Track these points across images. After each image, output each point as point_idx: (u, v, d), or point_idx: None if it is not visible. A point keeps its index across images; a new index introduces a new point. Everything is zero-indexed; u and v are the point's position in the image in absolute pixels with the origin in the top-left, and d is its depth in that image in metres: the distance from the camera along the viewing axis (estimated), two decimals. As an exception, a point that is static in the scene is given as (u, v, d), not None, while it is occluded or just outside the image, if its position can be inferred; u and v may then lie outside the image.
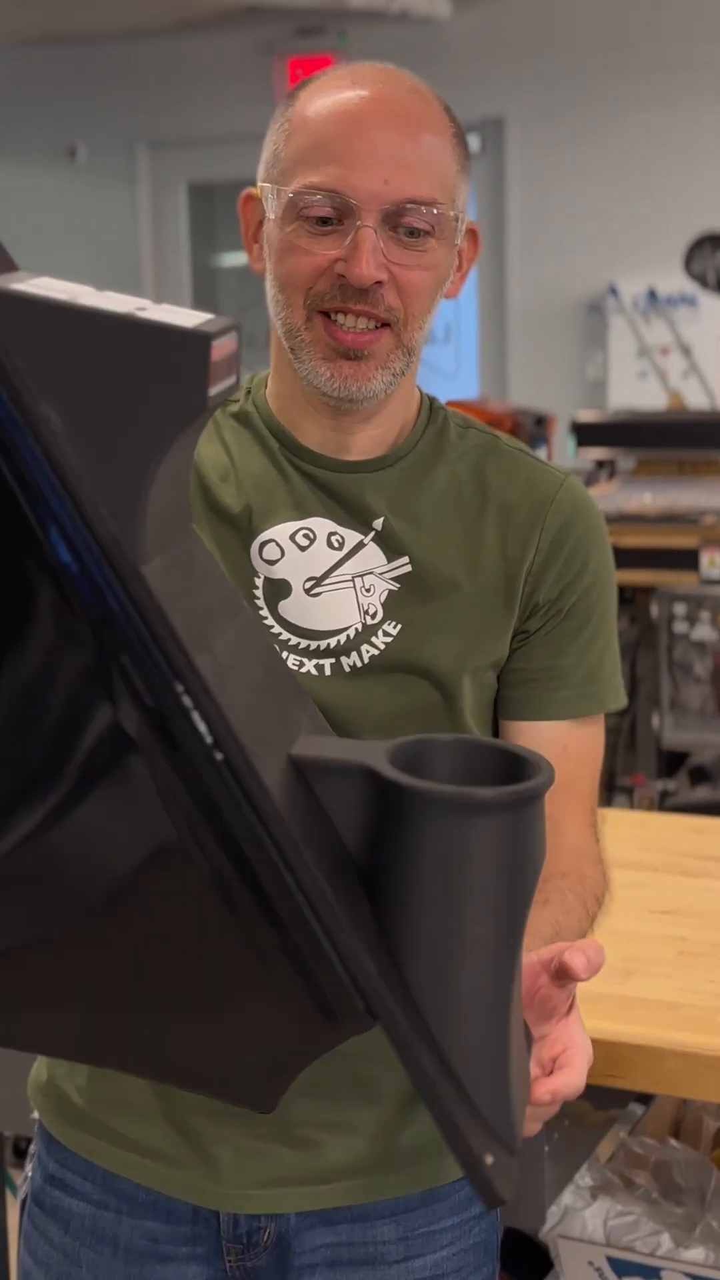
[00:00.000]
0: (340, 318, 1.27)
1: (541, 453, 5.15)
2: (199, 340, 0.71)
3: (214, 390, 0.72)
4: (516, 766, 0.80)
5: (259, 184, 1.32)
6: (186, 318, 0.73)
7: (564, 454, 5.74)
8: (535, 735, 1.35)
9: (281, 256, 1.29)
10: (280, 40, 6.95)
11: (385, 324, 1.27)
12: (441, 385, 6.74)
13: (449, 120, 1.30)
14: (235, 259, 5.81)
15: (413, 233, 1.26)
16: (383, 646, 1.30)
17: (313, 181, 1.26)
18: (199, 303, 5.53)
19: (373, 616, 1.31)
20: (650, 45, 6.63)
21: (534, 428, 5.35)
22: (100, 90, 7.40)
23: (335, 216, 1.25)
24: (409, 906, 0.78)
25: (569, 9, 6.79)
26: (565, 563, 1.34)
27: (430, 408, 1.39)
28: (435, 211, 1.26)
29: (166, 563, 0.75)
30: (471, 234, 1.34)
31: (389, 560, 1.32)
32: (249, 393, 1.38)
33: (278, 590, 1.31)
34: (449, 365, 7.32)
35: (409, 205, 1.25)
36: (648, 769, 4.13)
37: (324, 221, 1.26)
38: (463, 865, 0.77)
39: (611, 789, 4.09)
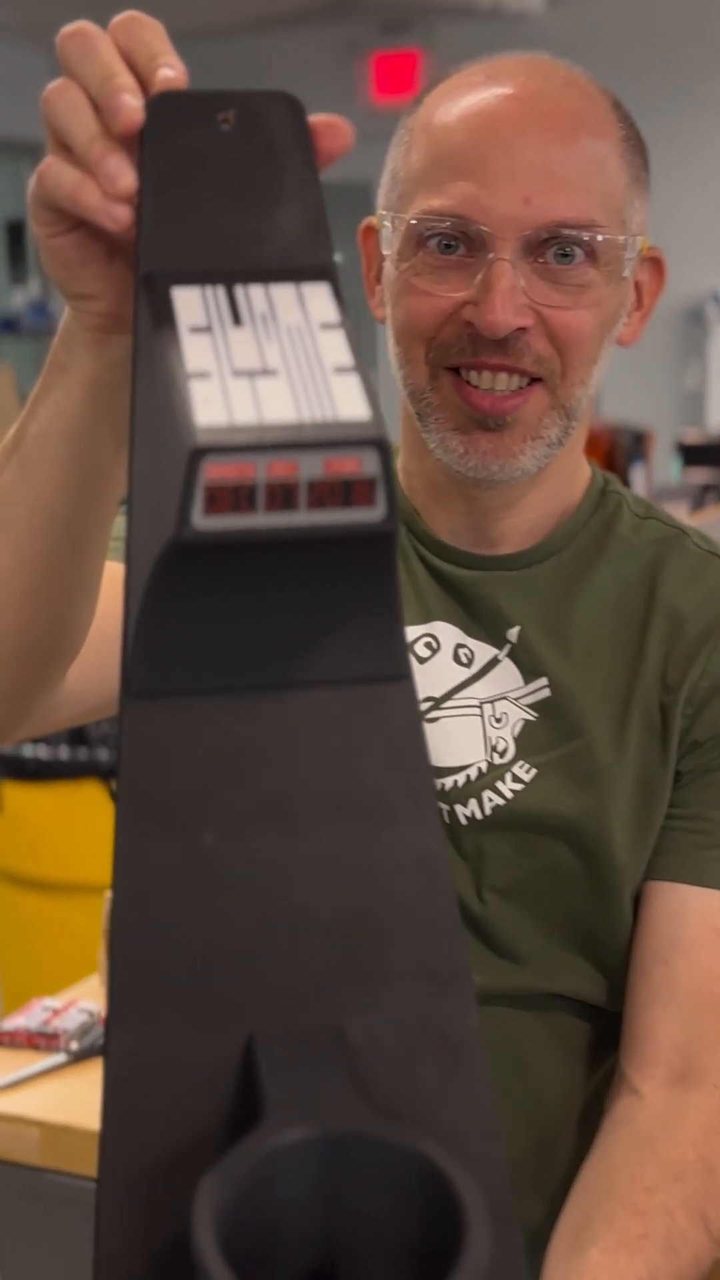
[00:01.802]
0: (474, 375, 0.97)
1: (640, 473, 4.87)
2: (189, 449, 0.57)
3: (209, 523, 0.58)
4: (452, 1224, 0.52)
5: (378, 211, 1.03)
6: (349, 405, 0.60)
7: (666, 475, 5.42)
8: (677, 905, 1.04)
9: (398, 299, 1.00)
10: (364, 37, 6.66)
11: (536, 379, 0.98)
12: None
13: (617, 120, 1.01)
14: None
15: (565, 261, 0.97)
16: (510, 795, 1.02)
17: (434, 205, 0.97)
18: None
19: (502, 754, 1.02)
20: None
21: (632, 446, 5.04)
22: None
23: (463, 248, 0.97)
24: None
25: (667, 4, 6.47)
26: None
27: (602, 490, 1.10)
28: (598, 237, 0.97)
29: None
30: (653, 263, 1.05)
31: (526, 682, 1.03)
32: None
33: None
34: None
35: (560, 230, 0.96)
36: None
37: (449, 251, 0.97)
38: None
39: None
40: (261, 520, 0.59)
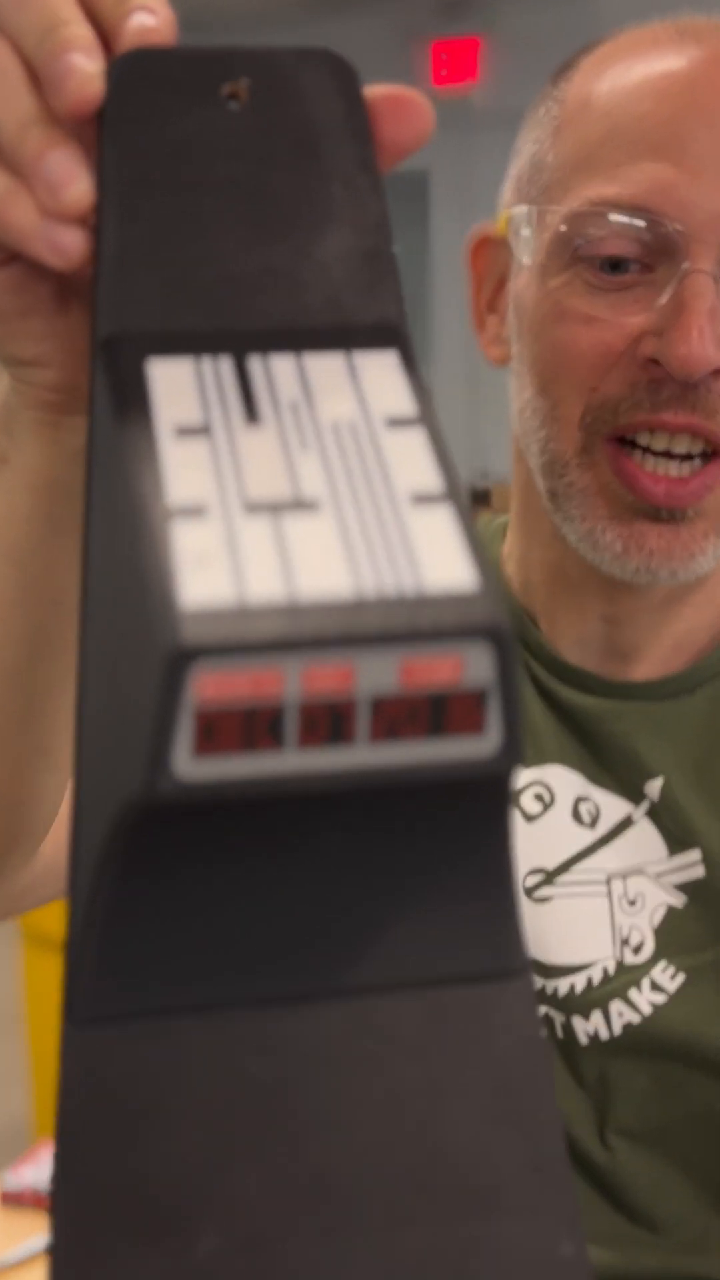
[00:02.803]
0: (643, 454, 0.71)
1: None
2: (166, 651, 0.34)
3: (202, 769, 0.35)
4: None
5: (505, 213, 0.77)
6: (442, 562, 0.37)
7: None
8: None
9: (544, 329, 0.74)
10: (421, 21, 6.41)
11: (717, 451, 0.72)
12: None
13: None
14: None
15: None
16: (648, 1009, 0.75)
17: (607, 195, 0.71)
18: None
19: (637, 951, 0.76)
20: None
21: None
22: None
23: (644, 258, 0.71)
24: None
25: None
26: None
27: None
28: None
29: None
30: None
31: (671, 853, 0.77)
32: None
33: None
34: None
35: None
36: None
37: (619, 268, 0.71)
38: None
39: None
40: (294, 763, 0.36)
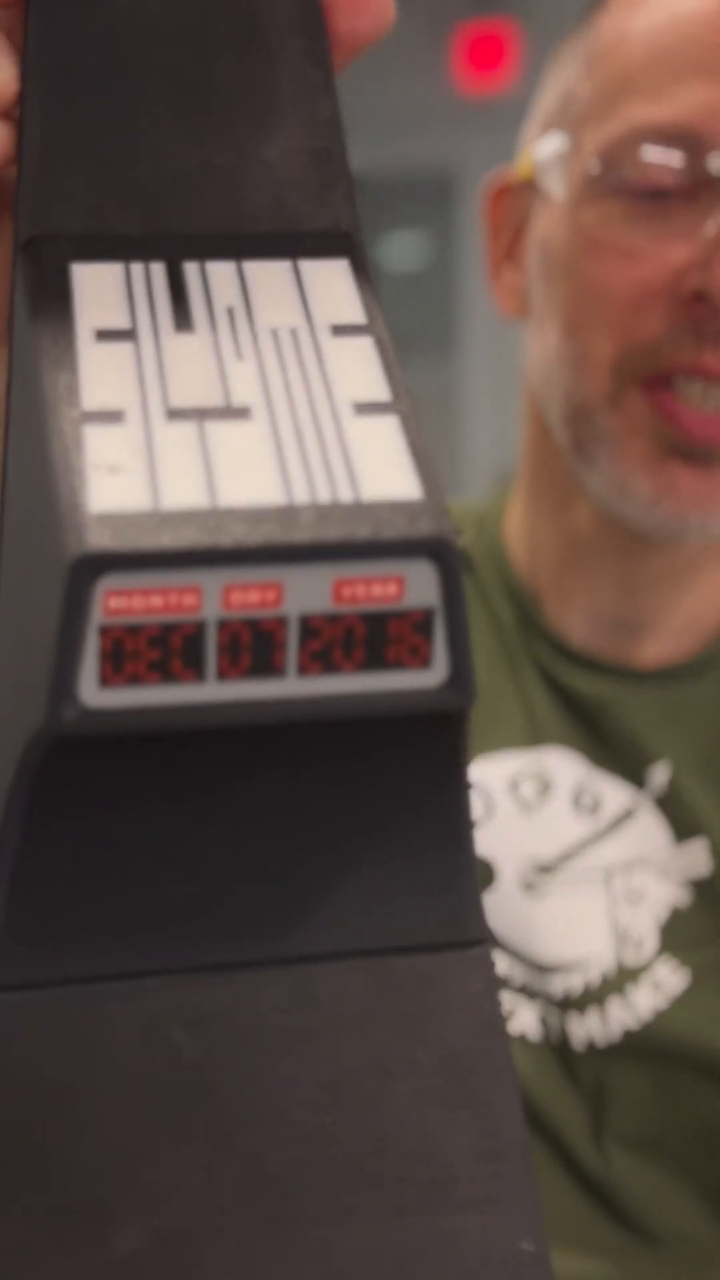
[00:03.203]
0: (685, 386, 0.67)
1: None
2: (68, 560, 0.31)
3: (109, 697, 0.32)
4: None
5: (527, 152, 0.72)
6: (384, 474, 0.33)
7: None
8: None
9: (574, 267, 0.69)
10: (450, 8, 6.34)
11: None
12: None
13: None
14: (407, 264, 5.13)
15: None
16: (650, 1012, 0.70)
17: (651, 116, 0.66)
18: None
19: (637, 948, 0.71)
20: None
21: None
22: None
23: (687, 186, 0.65)
24: None
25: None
26: None
27: None
28: None
29: None
30: None
31: (677, 843, 0.72)
32: (478, 524, 0.79)
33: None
34: None
35: None
36: None
37: (660, 197, 0.65)
38: None
39: None
40: (213, 691, 0.32)
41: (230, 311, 0.36)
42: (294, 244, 0.38)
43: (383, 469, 0.33)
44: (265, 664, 0.32)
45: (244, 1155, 0.36)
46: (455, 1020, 0.37)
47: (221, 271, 0.37)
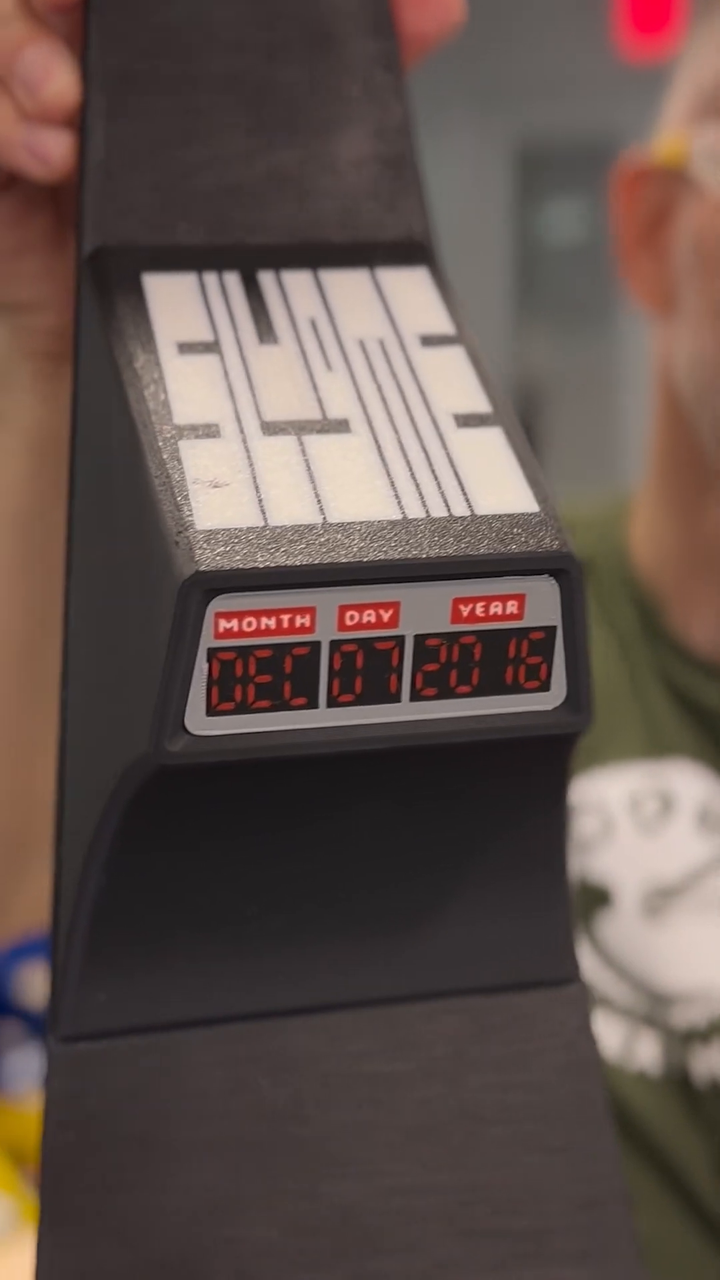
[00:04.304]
0: None
1: None
2: (176, 581, 0.29)
3: (220, 725, 0.30)
4: None
5: (672, 139, 0.68)
6: (496, 487, 0.32)
7: None
8: None
9: None
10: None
11: None
12: None
13: None
14: (565, 236, 5.02)
15: None
16: None
17: None
18: (523, 296, 4.73)
19: None
20: None
21: None
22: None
23: None
24: None
25: None
26: None
27: None
28: None
29: None
30: None
31: None
32: (600, 527, 0.75)
33: (591, 897, 0.68)
34: None
35: None
36: None
37: None
38: None
39: None
40: (323, 718, 0.31)
41: (313, 322, 0.35)
42: (367, 254, 0.37)
43: (495, 482, 0.31)
44: (378, 687, 0.30)
45: (333, 1209, 0.34)
46: (550, 1062, 0.36)
47: (299, 281, 0.36)
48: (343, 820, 0.34)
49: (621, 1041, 0.67)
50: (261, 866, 0.34)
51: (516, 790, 0.34)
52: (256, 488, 0.31)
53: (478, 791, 0.34)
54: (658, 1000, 0.67)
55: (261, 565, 0.29)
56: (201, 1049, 0.34)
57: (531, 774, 0.34)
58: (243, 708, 0.30)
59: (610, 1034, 0.67)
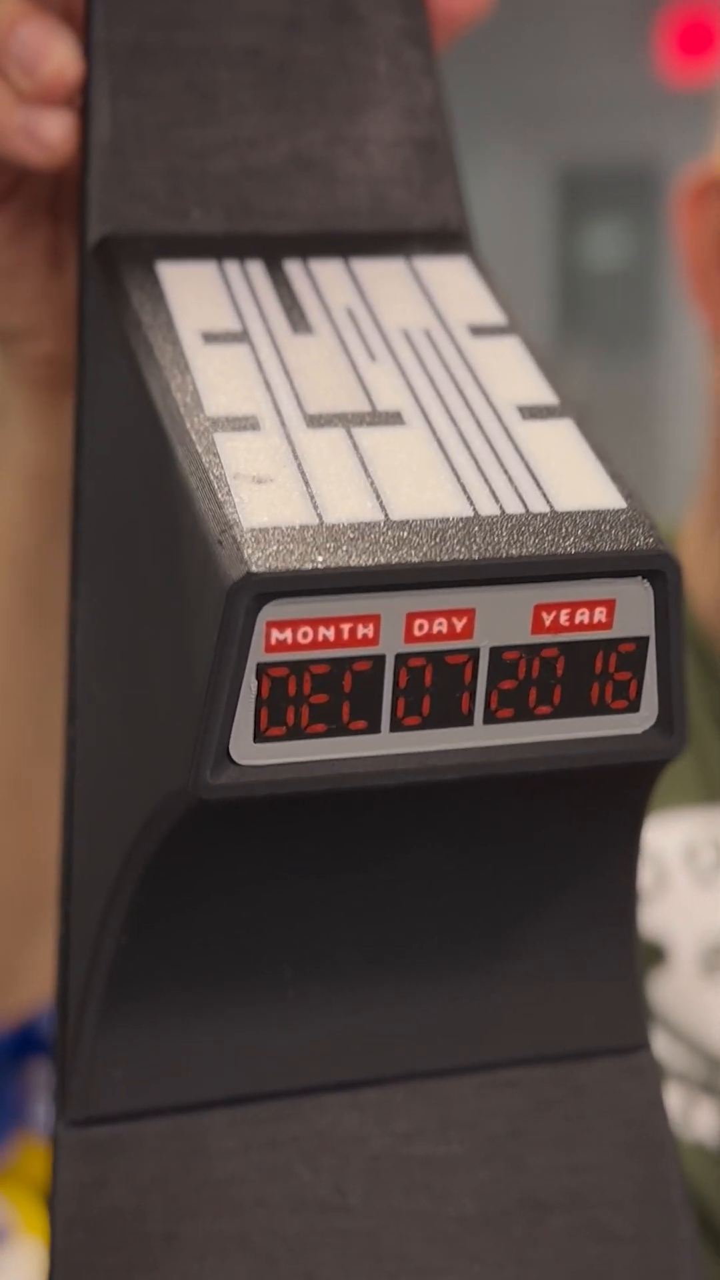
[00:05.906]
0: None
1: None
2: (224, 584, 0.25)
3: (268, 755, 0.26)
4: None
5: None
6: (573, 481, 0.28)
7: None
8: None
9: None
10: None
11: None
12: None
13: None
14: (607, 260, 4.96)
15: None
16: None
17: None
18: (564, 321, 4.70)
19: None
20: None
21: None
22: (447, 60, 6.78)
23: None
24: None
25: None
26: None
27: None
28: None
29: None
30: None
31: None
32: None
33: (644, 954, 0.64)
34: None
35: None
36: None
37: None
38: None
39: None
40: (385, 745, 0.27)
41: (350, 312, 0.31)
42: (400, 243, 0.33)
43: (572, 477, 0.28)
44: (448, 708, 0.26)
45: None
46: (616, 1140, 0.32)
47: (329, 270, 0.32)
48: (394, 865, 0.30)
49: (678, 1110, 0.63)
50: (301, 920, 0.30)
51: (590, 830, 0.30)
52: (306, 482, 0.27)
53: (547, 832, 0.30)
54: (717, 1066, 0.63)
55: (322, 566, 0.25)
56: (231, 1132, 0.30)
57: (608, 811, 0.30)
58: (295, 732, 0.26)
59: (673, 1100, 0.63)
